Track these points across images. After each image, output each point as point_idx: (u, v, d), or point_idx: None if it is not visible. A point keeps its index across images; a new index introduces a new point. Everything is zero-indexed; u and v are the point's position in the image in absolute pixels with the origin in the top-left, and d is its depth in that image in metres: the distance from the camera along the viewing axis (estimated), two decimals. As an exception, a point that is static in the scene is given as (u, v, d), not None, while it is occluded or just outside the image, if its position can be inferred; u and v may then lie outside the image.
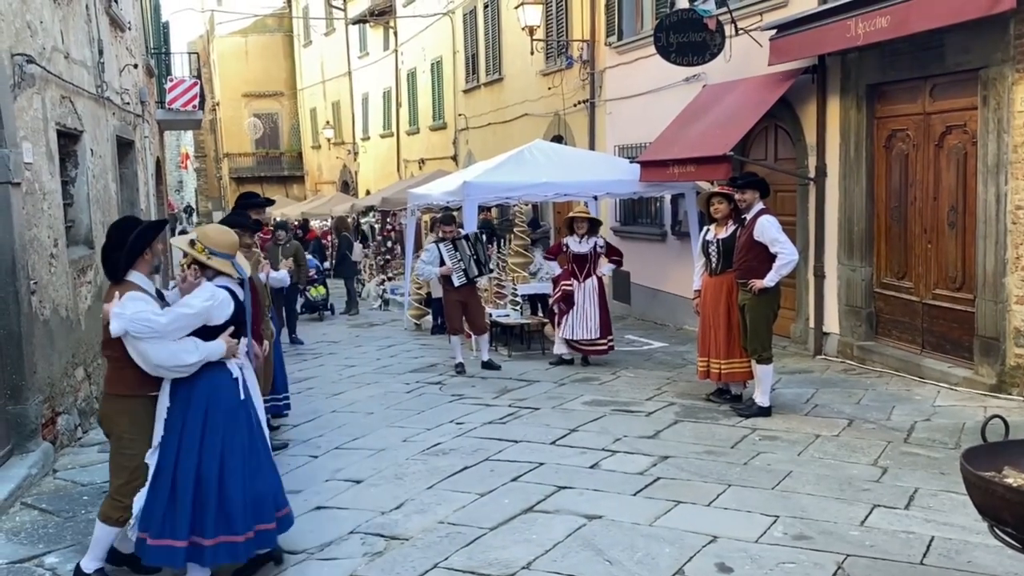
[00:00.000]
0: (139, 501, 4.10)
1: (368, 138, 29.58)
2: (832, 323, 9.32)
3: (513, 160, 11.67)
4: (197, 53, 22.49)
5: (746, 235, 6.98)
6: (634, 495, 5.27)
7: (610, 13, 14.01)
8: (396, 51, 25.79)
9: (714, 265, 7.35)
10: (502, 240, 13.83)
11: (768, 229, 6.85)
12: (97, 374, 8.05)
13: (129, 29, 11.72)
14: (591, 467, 5.85)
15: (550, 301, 10.22)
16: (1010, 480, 3.10)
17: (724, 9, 9.86)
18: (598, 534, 4.68)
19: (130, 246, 4.22)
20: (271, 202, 8.27)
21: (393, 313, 15.67)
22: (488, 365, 9.49)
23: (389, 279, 17.62)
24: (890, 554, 4.29)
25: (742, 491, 5.26)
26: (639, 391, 8.14)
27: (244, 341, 4.37)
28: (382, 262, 19.01)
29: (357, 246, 20.06)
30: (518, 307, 11.18)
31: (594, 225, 9.58)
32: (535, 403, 7.80)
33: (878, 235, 8.81)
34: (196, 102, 16.06)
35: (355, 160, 30.94)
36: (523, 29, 14.73)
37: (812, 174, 9.47)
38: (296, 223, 26.74)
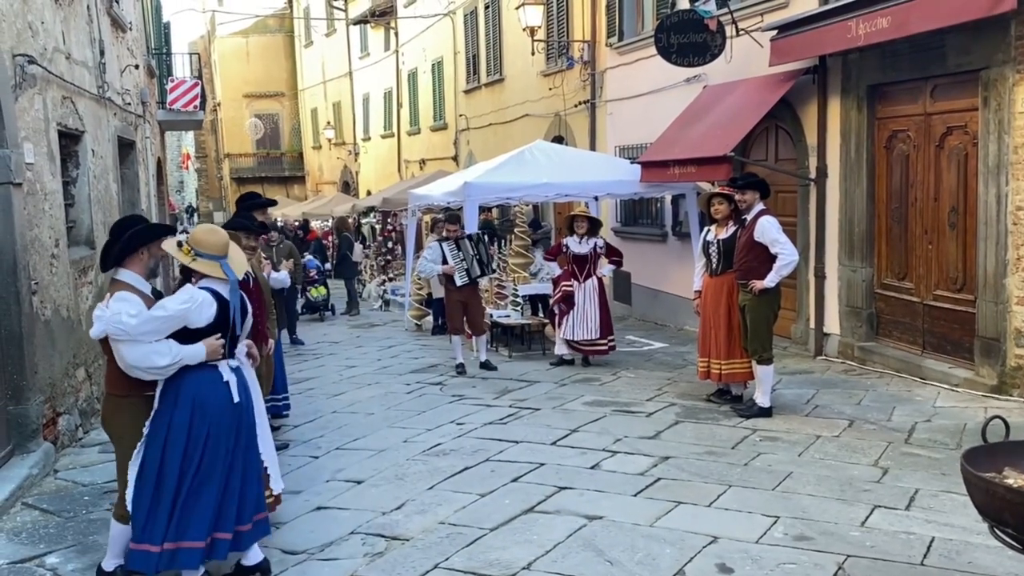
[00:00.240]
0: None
1: (369, 138, 29.60)
2: (833, 324, 9.32)
3: (514, 161, 11.67)
4: (198, 54, 22.52)
5: (746, 236, 6.99)
6: (635, 496, 5.27)
7: (611, 14, 14.01)
8: (397, 51, 25.80)
9: (715, 266, 7.35)
10: (503, 240, 13.84)
11: (768, 230, 6.86)
12: (98, 374, 8.05)
13: (130, 30, 11.73)
14: (592, 468, 5.85)
15: (550, 302, 10.22)
16: (1011, 481, 3.10)
17: (725, 10, 9.86)
18: (599, 535, 4.68)
19: (124, 241, 4.21)
20: (273, 202, 8.27)
21: (394, 314, 15.67)
22: (486, 366, 9.50)
23: (390, 279, 17.63)
24: (891, 555, 4.29)
25: (743, 492, 5.26)
26: (640, 392, 8.14)
27: (242, 344, 4.36)
28: (383, 262, 19.02)
29: (357, 246, 20.08)
30: (519, 308, 11.18)
31: (594, 225, 9.58)
32: (536, 404, 7.80)
33: (879, 236, 8.81)
34: (197, 103, 16.06)
35: (356, 160, 30.95)
36: (524, 30, 14.73)
37: (813, 175, 9.48)
38: (296, 223, 26.81)
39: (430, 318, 13.15)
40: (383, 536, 4.80)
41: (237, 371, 4.21)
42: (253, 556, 4.30)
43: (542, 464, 5.93)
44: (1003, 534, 3.13)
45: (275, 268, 8.53)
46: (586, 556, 4.42)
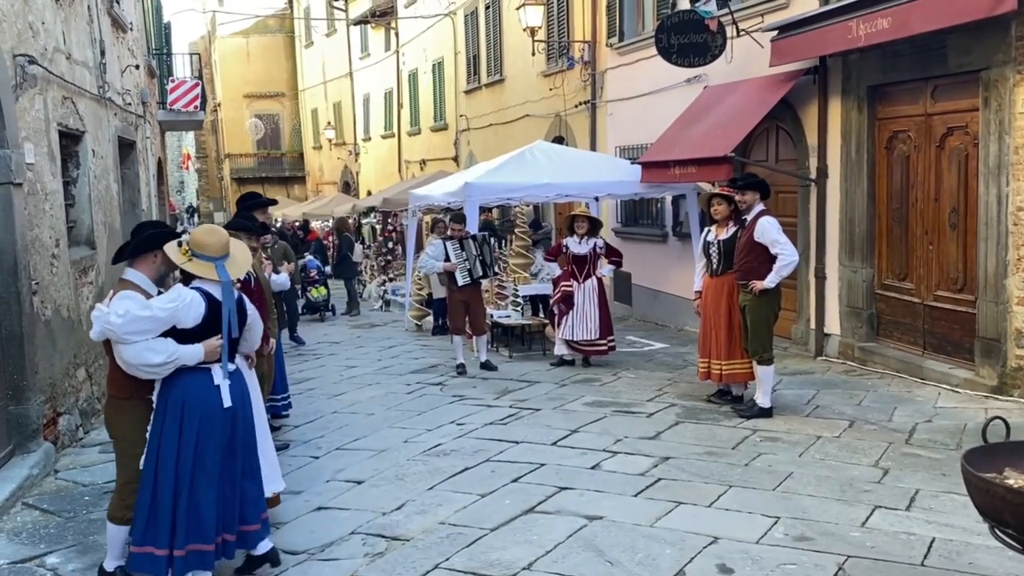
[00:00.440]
0: None
1: (369, 139, 29.60)
2: (833, 324, 9.32)
3: (514, 161, 11.67)
4: (198, 54, 22.54)
5: (746, 236, 6.99)
6: (635, 496, 5.27)
7: (611, 14, 14.01)
8: (397, 52, 25.80)
9: (715, 266, 7.35)
10: (503, 241, 13.84)
11: (768, 230, 6.86)
12: (98, 374, 8.05)
13: (131, 30, 11.73)
14: (592, 468, 5.85)
15: (550, 302, 10.23)
16: (1011, 481, 3.10)
17: (725, 10, 9.87)
18: (599, 535, 4.68)
19: (137, 241, 4.25)
20: (274, 202, 8.27)
21: (394, 314, 15.68)
22: (486, 366, 9.50)
23: (390, 280, 17.63)
24: (891, 555, 4.29)
25: (743, 492, 5.26)
26: (640, 392, 8.14)
27: (240, 351, 4.34)
28: (383, 263, 19.03)
29: (357, 247, 20.08)
30: (519, 308, 11.18)
31: (594, 226, 9.58)
32: (536, 404, 7.80)
33: (879, 236, 8.81)
34: (197, 103, 16.06)
35: (356, 161, 30.96)
36: (524, 30, 14.74)
37: (813, 175, 9.47)
38: (296, 223, 26.82)
39: (430, 318, 13.16)
40: (383, 536, 4.80)
41: (234, 375, 4.17)
42: (262, 546, 4.31)
43: (542, 464, 5.93)
44: (1003, 535, 3.13)
45: (274, 270, 8.53)
46: (586, 556, 4.42)
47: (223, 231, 4.29)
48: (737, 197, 7.12)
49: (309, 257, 16.81)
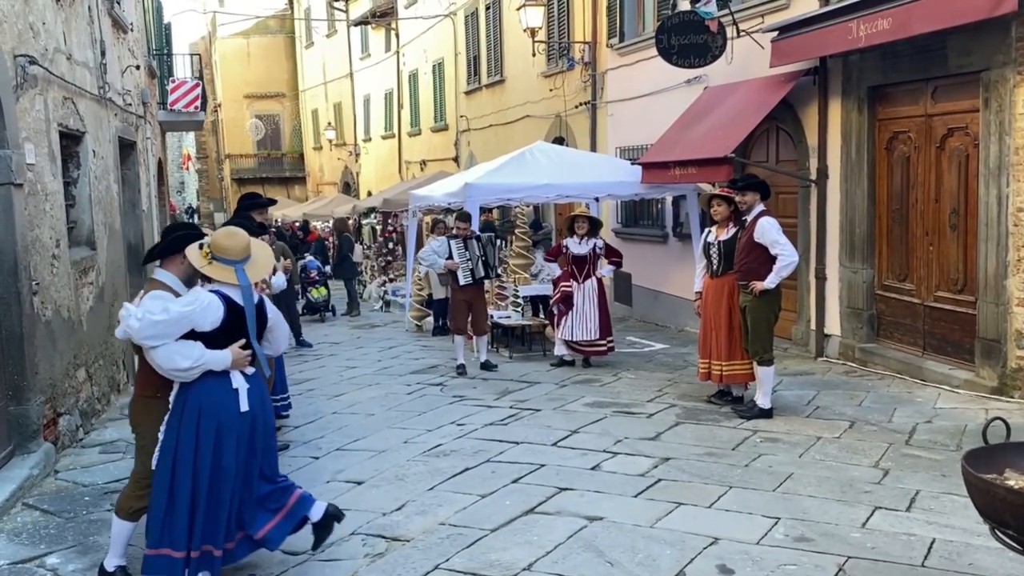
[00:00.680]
0: None
1: (370, 139, 29.61)
2: (833, 325, 9.32)
3: (514, 161, 11.67)
4: (199, 54, 22.52)
5: (746, 237, 6.99)
6: (635, 497, 5.27)
7: (612, 15, 14.01)
8: (398, 52, 25.81)
9: (715, 267, 7.35)
10: (504, 241, 13.84)
11: (768, 231, 6.86)
12: (98, 375, 8.06)
13: (131, 30, 11.73)
14: (592, 469, 5.85)
15: (550, 302, 10.23)
16: (1011, 482, 3.10)
17: (726, 11, 9.87)
18: (599, 536, 4.68)
19: (167, 242, 4.29)
20: (273, 202, 8.26)
21: (394, 314, 15.68)
22: (486, 366, 9.50)
23: (390, 280, 17.63)
24: (891, 556, 4.29)
25: (743, 493, 5.26)
26: (640, 393, 8.14)
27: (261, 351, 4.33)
28: (383, 263, 19.02)
29: (357, 247, 20.08)
30: (519, 308, 11.18)
31: (594, 226, 9.58)
32: (536, 404, 7.80)
33: (879, 237, 8.81)
34: (198, 103, 16.05)
35: (356, 161, 30.97)
36: (525, 31, 14.73)
37: (813, 176, 9.47)
38: (296, 224, 26.82)
39: (431, 319, 13.16)
40: (383, 537, 4.80)
41: (254, 378, 4.16)
42: (316, 511, 4.31)
43: (543, 465, 5.93)
44: (1004, 535, 3.13)
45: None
46: (586, 557, 4.42)
47: (244, 234, 4.25)
48: (737, 198, 7.13)
49: (309, 258, 16.81)
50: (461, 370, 9.37)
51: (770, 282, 6.84)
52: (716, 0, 9.78)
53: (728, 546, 4.47)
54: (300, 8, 35.71)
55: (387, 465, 6.12)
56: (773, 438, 6.43)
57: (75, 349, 7.38)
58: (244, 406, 4.06)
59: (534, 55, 15.78)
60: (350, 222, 21.90)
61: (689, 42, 10.35)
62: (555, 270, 9.86)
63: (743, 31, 9.99)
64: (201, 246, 4.13)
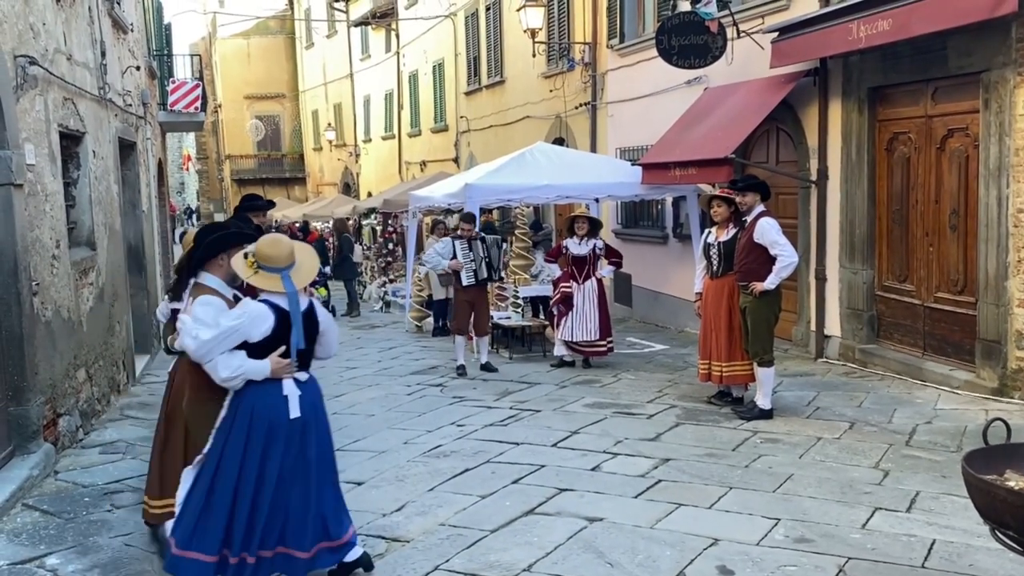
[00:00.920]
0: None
1: (370, 140, 29.61)
2: (833, 326, 9.32)
3: (515, 162, 11.67)
4: (199, 55, 22.50)
5: (746, 237, 6.99)
6: (635, 497, 5.27)
7: (612, 16, 14.02)
8: (398, 53, 25.81)
9: (715, 268, 7.35)
10: (503, 242, 13.83)
11: (768, 231, 6.86)
12: (98, 375, 8.05)
13: (131, 31, 11.73)
14: (592, 469, 5.85)
15: (550, 303, 10.23)
16: (1012, 483, 3.10)
17: (726, 12, 9.87)
18: (599, 536, 4.68)
19: (204, 248, 4.31)
20: (272, 204, 8.24)
21: (394, 315, 15.68)
22: (487, 367, 9.50)
23: (390, 281, 17.63)
24: (891, 557, 4.29)
25: (743, 494, 5.26)
26: (640, 393, 8.13)
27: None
28: (383, 264, 19.03)
29: (357, 247, 20.08)
30: (519, 309, 11.18)
31: (594, 227, 9.58)
32: (536, 405, 7.80)
33: (879, 238, 8.81)
34: (198, 104, 16.04)
35: (356, 162, 30.97)
36: (525, 31, 14.74)
37: (814, 177, 9.47)
38: (296, 224, 26.81)
39: (431, 319, 13.15)
40: (383, 538, 4.79)
41: (307, 385, 4.18)
42: (353, 553, 4.28)
43: (543, 466, 5.93)
44: (1004, 536, 3.13)
45: None
46: (586, 558, 4.42)
47: (287, 240, 4.24)
48: (737, 199, 7.13)
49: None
50: (461, 371, 9.37)
51: (770, 283, 6.84)
52: (716, 1, 9.79)
53: (728, 547, 4.47)
54: (300, 9, 35.71)
55: (387, 466, 6.12)
56: (773, 439, 6.43)
57: (75, 349, 7.38)
58: (295, 412, 4.07)
59: (534, 56, 15.78)
60: (350, 223, 21.90)
61: (689, 43, 10.36)
62: (555, 271, 9.86)
63: (743, 32, 9.99)
64: (246, 256, 4.14)
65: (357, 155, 30.88)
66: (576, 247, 9.42)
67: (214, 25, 37.64)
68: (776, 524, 4.75)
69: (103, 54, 9.35)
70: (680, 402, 7.70)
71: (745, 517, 4.89)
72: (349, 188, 31.81)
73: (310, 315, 4.21)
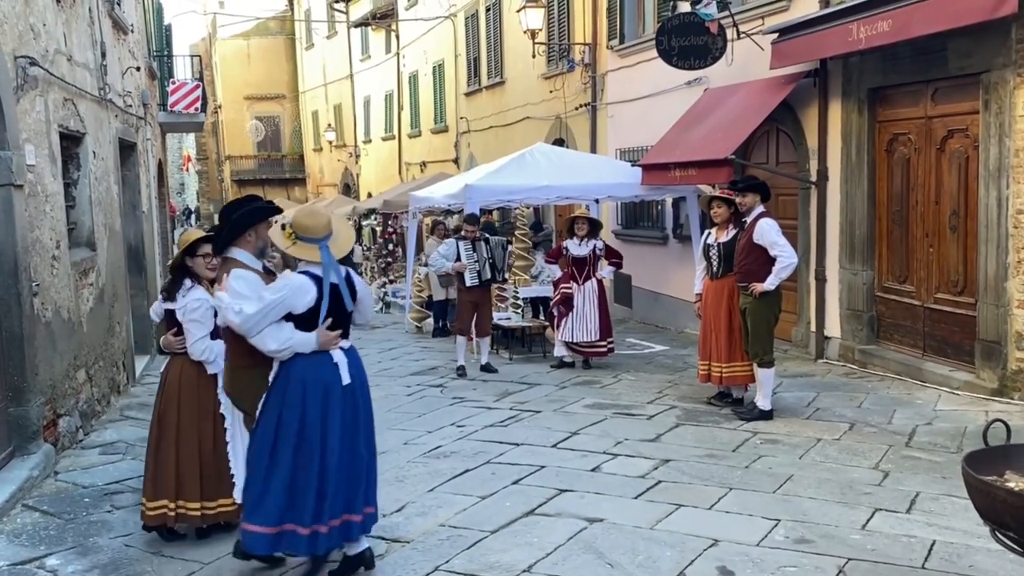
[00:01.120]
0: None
1: (370, 141, 29.61)
2: (833, 327, 9.32)
3: (514, 163, 11.68)
4: (199, 56, 22.51)
5: (746, 238, 6.99)
6: (635, 498, 5.27)
7: (612, 17, 14.02)
8: (398, 54, 25.81)
9: (715, 269, 7.35)
10: (508, 243, 13.83)
11: (767, 232, 6.86)
12: (98, 376, 8.05)
13: (131, 32, 11.74)
14: (592, 470, 5.84)
15: (550, 304, 10.23)
16: (1012, 484, 3.10)
17: (726, 13, 9.87)
18: (599, 537, 4.68)
19: (232, 222, 4.37)
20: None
21: (394, 316, 15.67)
22: (487, 368, 9.50)
23: (390, 282, 17.63)
24: (891, 558, 4.29)
25: (743, 494, 5.26)
26: (640, 394, 8.13)
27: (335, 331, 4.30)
28: (383, 264, 19.03)
29: (357, 248, 20.09)
30: (519, 310, 11.18)
31: (594, 227, 9.58)
32: (536, 406, 7.80)
33: (879, 239, 8.81)
34: (198, 105, 16.04)
35: (357, 163, 30.97)
36: (525, 32, 14.74)
37: (814, 178, 9.48)
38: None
39: (430, 320, 13.15)
40: (383, 538, 4.79)
41: (350, 352, 4.28)
42: (357, 547, 4.31)
43: (543, 467, 5.93)
44: (1004, 537, 3.13)
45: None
46: (587, 559, 4.42)
47: (324, 211, 4.37)
48: (737, 199, 7.13)
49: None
50: (461, 371, 9.37)
51: (769, 284, 6.84)
52: (716, 2, 9.79)
53: (728, 548, 4.47)
54: (300, 9, 35.72)
55: (387, 466, 6.10)
56: (773, 440, 6.43)
57: (75, 350, 7.38)
58: (346, 379, 4.16)
59: (534, 57, 15.78)
60: (350, 223, 21.86)
61: (689, 44, 10.36)
62: (555, 271, 9.86)
63: (743, 33, 9.99)
64: (283, 227, 4.22)
65: (357, 156, 30.88)
66: (576, 248, 9.42)
67: (214, 26, 37.64)
68: (776, 525, 4.75)
69: (103, 55, 9.35)
70: (680, 403, 7.70)
71: (745, 518, 4.89)
72: (349, 189, 31.81)
73: (349, 282, 4.28)
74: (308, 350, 4.08)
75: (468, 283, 9.38)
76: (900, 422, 6.76)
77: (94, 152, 8.60)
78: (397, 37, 25.89)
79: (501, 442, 6.60)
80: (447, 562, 4.44)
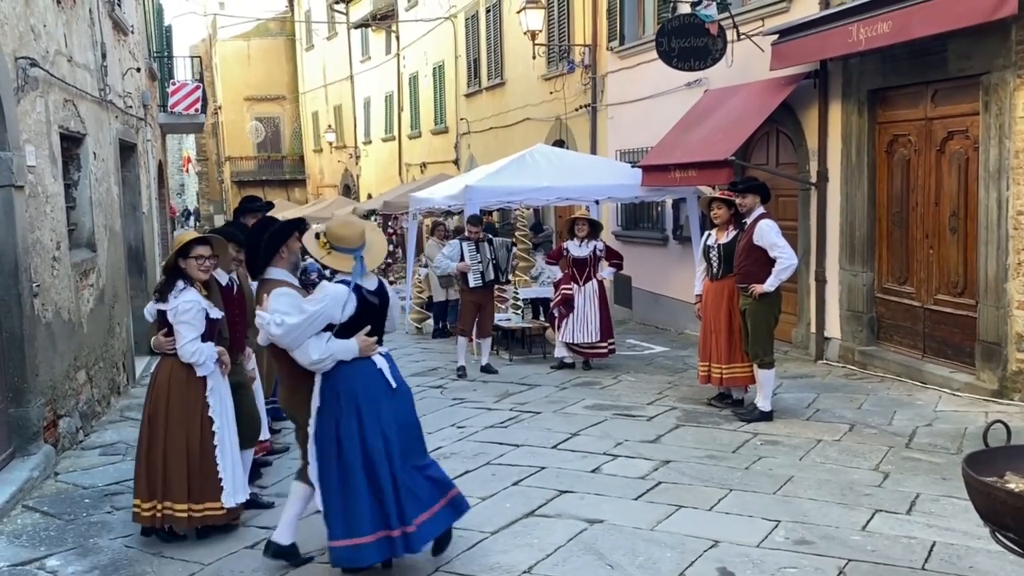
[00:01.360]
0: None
1: (370, 142, 29.61)
2: (833, 328, 9.32)
3: (515, 164, 11.67)
4: (199, 57, 22.50)
5: (746, 239, 6.99)
6: (635, 499, 5.27)
7: (612, 18, 14.02)
8: (398, 55, 25.82)
9: (715, 270, 7.35)
10: (512, 245, 13.83)
11: (767, 233, 6.86)
12: (99, 377, 8.05)
13: (132, 33, 11.74)
14: (592, 471, 5.85)
15: (551, 305, 10.23)
16: (1012, 485, 3.10)
17: (726, 14, 9.88)
18: (599, 538, 4.68)
19: (264, 248, 4.46)
20: (271, 206, 8.24)
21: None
22: (487, 369, 9.50)
23: (390, 283, 17.60)
24: (892, 559, 4.29)
25: (743, 495, 5.26)
26: (640, 395, 8.13)
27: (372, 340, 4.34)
28: (383, 265, 19.04)
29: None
30: (519, 311, 11.18)
31: (594, 228, 9.58)
32: (536, 407, 7.80)
33: (879, 240, 8.81)
34: (198, 106, 16.06)
35: (357, 164, 30.97)
36: (525, 33, 14.74)
37: (814, 179, 9.48)
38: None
39: (430, 321, 13.15)
40: (384, 539, 4.79)
41: (387, 357, 4.33)
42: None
43: (543, 468, 5.93)
44: (1004, 538, 3.13)
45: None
46: (587, 560, 4.42)
47: (359, 221, 4.48)
48: (737, 201, 7.13)
49: (309, 260, 16.76)
50: (461, 372, 9.37)
51: (769, 285, 6.84)
52: (716, 3, 9.80)
53: (728, 549, 4.47)
54: (300, 10, 35.73)
55: (387, 467, 6.11)
56: (773, 441, 6.43)
57: (75, 351, 7.38)
58: (393, 382, 4.23)
59: (534, 58, 15.79)
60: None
61: (689, 45, 10.36)
62: (556, 273, 9.86)
63: (743, 34, 10.00)
64: (318, 236, 4.29)
65: (357, 157, 30.89)
66: (576, 249, 9.42)
67: (214, 27, 37.64)
68: (776, 526, 4.75)
69: (104, 56, 9.36)
70: (680, 404, 7.70)
71: (745, 519, 4.89)
72: (349, 190, 31.81)
73: (381, 291, 4.35)
74: (350, 357, 4.14)
75: (472, 284, 9.38)
76: (900, 423, 6.76)
77: (94, 153, 8.61)
78: (397, 38, 25.90)
79: (501, 443, 6.60)
80: (447, 563, 4.44)
